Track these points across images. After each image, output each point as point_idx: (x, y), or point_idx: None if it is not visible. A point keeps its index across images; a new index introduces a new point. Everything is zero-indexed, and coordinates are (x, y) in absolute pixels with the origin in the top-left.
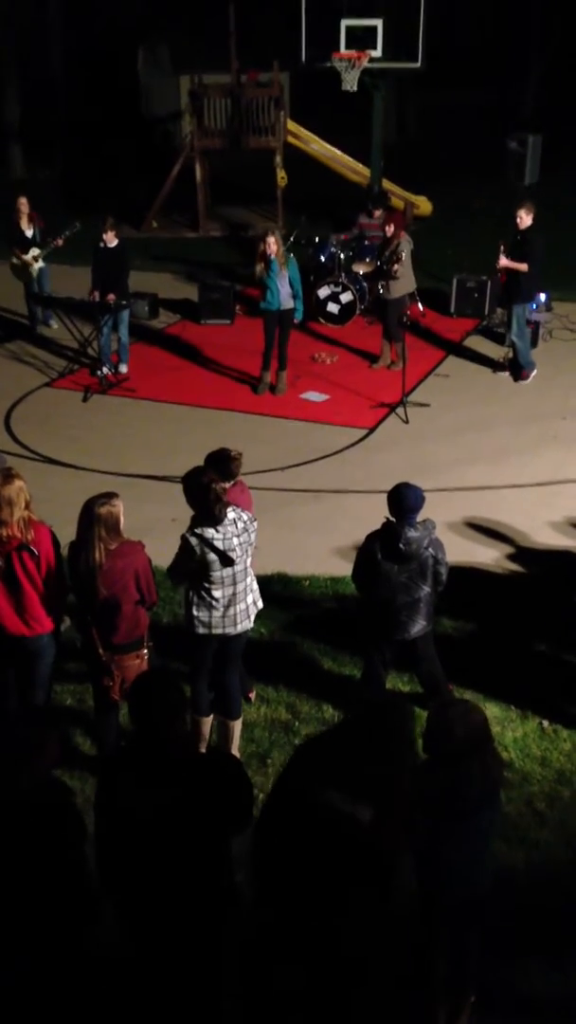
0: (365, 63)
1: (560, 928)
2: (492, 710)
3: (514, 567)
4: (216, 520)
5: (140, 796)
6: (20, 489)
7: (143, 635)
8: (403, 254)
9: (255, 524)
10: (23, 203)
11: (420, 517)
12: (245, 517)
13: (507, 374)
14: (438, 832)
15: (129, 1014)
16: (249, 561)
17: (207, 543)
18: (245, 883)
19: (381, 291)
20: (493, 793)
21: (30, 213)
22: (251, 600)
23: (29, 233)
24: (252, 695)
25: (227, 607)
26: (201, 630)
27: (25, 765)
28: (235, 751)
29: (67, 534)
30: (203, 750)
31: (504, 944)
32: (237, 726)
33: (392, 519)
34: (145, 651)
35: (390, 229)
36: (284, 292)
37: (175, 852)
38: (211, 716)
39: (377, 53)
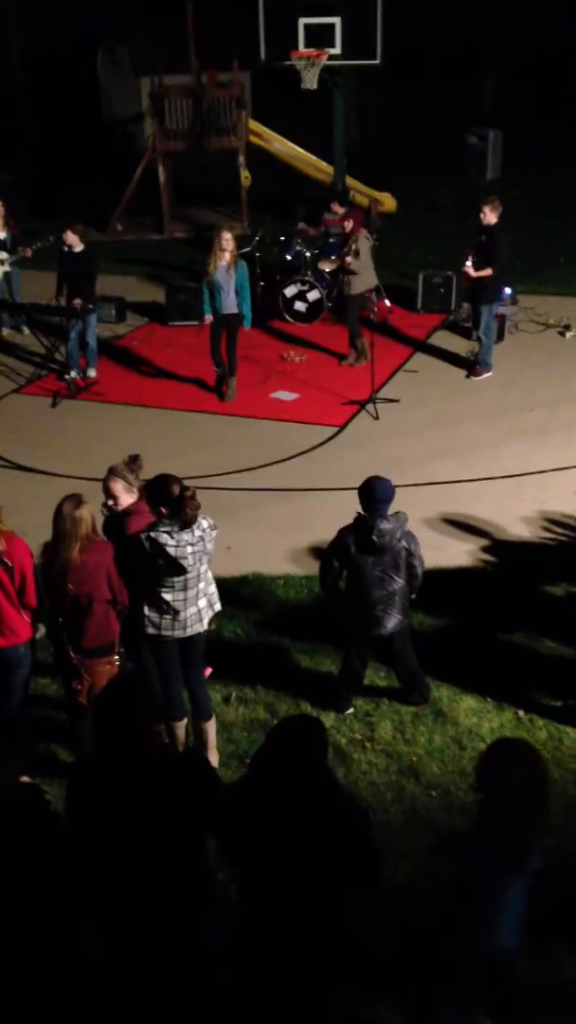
0: (324, 61)
1: (542, 917)
2: (468, 701)
3: (487, 559)
4: (188, 523)
5: (109, 801)
6: None
7: (114, 640)
8: (359, 249)
9: (214, 533)
10: None
11: (391, 510)
12: (205, 525)
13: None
14: (468, 882)
15: (116, 1013)
16: (204, 568)
17: (158, 548)
18: (229, 881)
19: (343, 288)
20: (539, 848)
21: (5, 216)
22: (204, 604)
23: (1, 236)
24: (208, 671)
25: (177, 612)
26: (151, 630)
27: None
28: (213, 752)
29: (40, 538)
30: None
31: None
32: (211, 727)
33: (364, 512)
34: (116, 658)
35: (348, 225)
36: (231, 296)
37: (146, 855)
38: (185, 720)
39: (336, 51)
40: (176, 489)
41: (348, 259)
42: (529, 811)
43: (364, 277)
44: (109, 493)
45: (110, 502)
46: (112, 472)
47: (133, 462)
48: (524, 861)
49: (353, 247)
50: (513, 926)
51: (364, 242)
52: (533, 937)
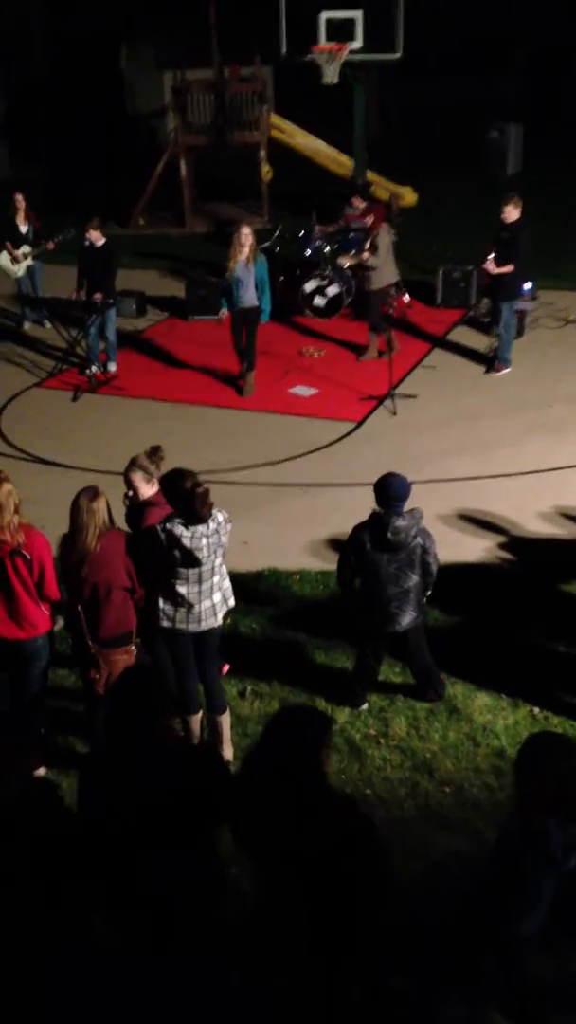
0: (345, 55)
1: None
2: (483, 699)
3: (504, 556)
4: (201, 519)
5: (120, 792)
6: (9, 493)
7: (131, 631)
8: (377, 244)
9: (229, 526)
10: (19, 199)
11: (408, 507)
12: (220, 518)
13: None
14: (504, 869)
15: (128, 1005)
16: (219, 561)
17: (174, 540)
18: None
19: (364, 283)
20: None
21: (26, 210)
22: (218, 599)
23: (23, 229)
24: (226, 669)
25: (192, 605)
26: (165, 623)
27: (10, 771)
28: (228, 745)
29: (58, 531)
30: None
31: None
32: (226, 720)
33: (379, 509)
34: (133, 647)
35: (370, 220)
36: (250, 290)
37: (157, 846)
38: (200, 714)
39: (357, 45)
40: (188, 484)
41: (366, 255)
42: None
43: (384, 272)
44: (129, 484)
45: (130, 493)
46: (133, 463)
47: (154, 453)
48: (565, 855)
49: (373, 242)
50: (541, 914)
51: (384, 237)
52: (549, 932)
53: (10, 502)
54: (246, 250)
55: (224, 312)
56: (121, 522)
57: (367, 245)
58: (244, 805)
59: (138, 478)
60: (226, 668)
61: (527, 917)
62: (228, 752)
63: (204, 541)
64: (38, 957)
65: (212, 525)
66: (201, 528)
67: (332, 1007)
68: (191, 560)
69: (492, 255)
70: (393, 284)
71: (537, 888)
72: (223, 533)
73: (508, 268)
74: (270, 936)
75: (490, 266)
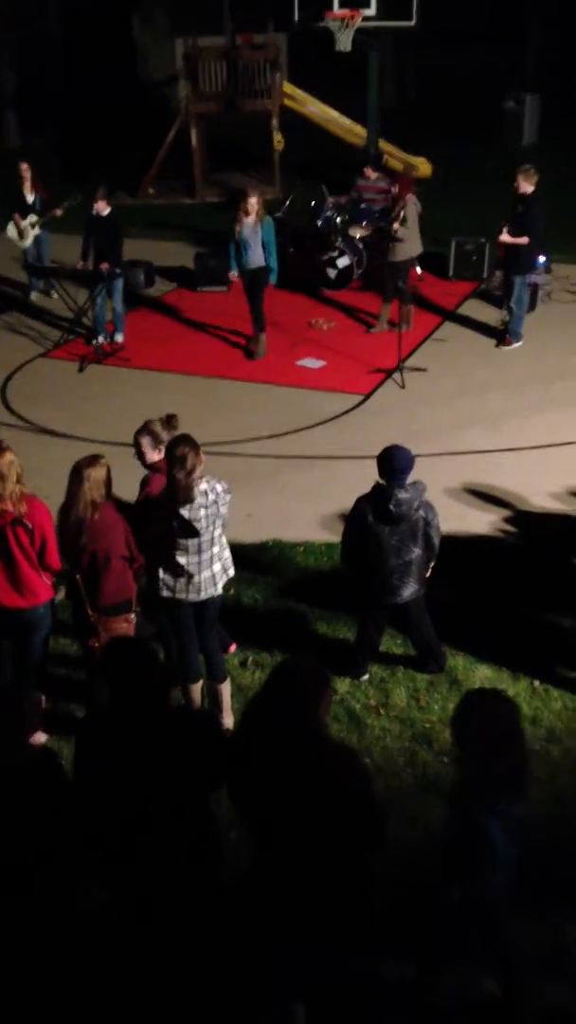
0: (359, 22)
1: (549, 883)
2: (484, 671)
3: (510, 530)
4: (180, 502)
5: (115, 756)
6: (11, 463)
7: (131, 599)
8: (406, 215)
9: (228, 496)
10: (25, 169)
11: (413, 479)
12: (219, 489)
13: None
14: (456, 822)
15: (126, 972)
16: (218, 532)
17: (172, 511)
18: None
19: (388, 254)
20: (517, 789)
21: (33, 179)
22: (218, 568)
23: (30, 199)
24: (233, 648)
25: (191, 575)
26: (165, 593)
27: (11, 739)
28: (229, 713)
29: (60, 501)
30: None
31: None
32: (226, 688)
33: (382, 481)
34: (132, 616)
35: (395, 189)
36: (256, 251)
37: (152, 810)
38: (200, 682)
39: (371, 12)
40: (176, 469)
41: (395, 226)
42: (496, 751)
43: (410, 244)
44: (137, 447)
45: (137, 457)
46: (144, 428)
47: (169, 421)
48: (499, 798)
49: (401, 213)
50: (506, 868)
51: (412, 208)
52: (535, 901)
53: (12, 471)
54: (252, 217)
55: (234, 274)
56: (125, 490)
57: (395, 215)
58: (242, 760)
59: (145, 442)
60: (233, 647)
61: (490, 873)
62: (229, 720)
63: (202, 512)
64: (33, 923)
65: (211, 496)
66: (199, 499)
67: (331, 975)
68: (189, 531)
69: (505, 229)
70: (416, 256)
71: (487, 838)
72: (222, 504)
73: (523, 240)
74: (267, 899)
75: (504, 236)
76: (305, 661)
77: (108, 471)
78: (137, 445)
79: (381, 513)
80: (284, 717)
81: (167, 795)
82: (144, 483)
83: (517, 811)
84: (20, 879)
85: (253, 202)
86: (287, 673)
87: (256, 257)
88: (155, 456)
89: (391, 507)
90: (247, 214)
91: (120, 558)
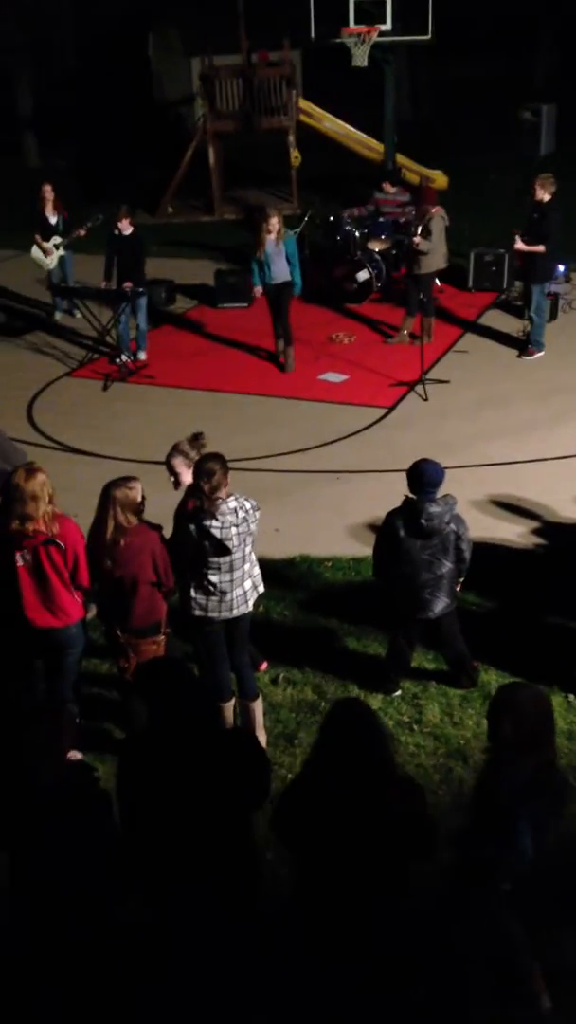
0: (375, 38)
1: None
2: None
3: (538, 542)
4: (206, 513)
5: (158, 777)
6: (43, 483)
7: (160, 621)
8: (431, 229)
9: (257, 514)
10: (47, 190)
11: (441, 493)
12: (248, 506)
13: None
14: (480, 817)
15: (165, 987)
16: (248, 549)
17: (203, 530)
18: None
19: (413, 266)
20: (546, 786)
21: (55, 201)
22: (249, 586)
23: (53, 220)
24: (264, 666)
25: (224, 593)
26: (198, 612)
27: (45, 759)
28: (261, 731)
29: (91, 520)
30: None
31: (530, 914)
32: (258, 706)
33: (412, 496)
34: (162, 637)
35: (415, 208)
36: (280, 266)
37: (193, 830)
38: (233, 700)
39: (387, 27)
40: (203, 481)
41: (417, 239)
42: (528, 745)
43: (435, 257)
44: (171, 470)
45: (172, 479)
46: (174, 449)
47: (196, 440)
48: (530, 798)
49: (423, 226)
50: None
51: (439, 222)
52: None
53: (44, 492)
54: (273, 236)
55: (258, 290)
56: (157, 512)
57: (418, 229)
58: (305, 799)
59: (179, 463)
60: (264, 665)
61: (522, 847)
62: (261, 738)
63: (234, 531)
64: (73, 937)
65: (241, 513)
66: (230, 517)
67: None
68: (221, 549)
69: (518, 236)
70: (443, 270)
71: (516, 827)
72: (252, 521)
73: (539, 248)
74: (307, 921)
75: (519, 244)
76: (357, 700)
77: (141, 494)
78: (170, 468)
79: (412, 527)
80: (360, 754)
81: (209, 815)
82: (182, 505)
83: (545, 815)
84: (62, 893)
85: (274, 222)
86: (351, 711)
87: (281, 272)
88: (190, 477)
89: (423, 521)
90: (269, 233)
91: (148, 584)
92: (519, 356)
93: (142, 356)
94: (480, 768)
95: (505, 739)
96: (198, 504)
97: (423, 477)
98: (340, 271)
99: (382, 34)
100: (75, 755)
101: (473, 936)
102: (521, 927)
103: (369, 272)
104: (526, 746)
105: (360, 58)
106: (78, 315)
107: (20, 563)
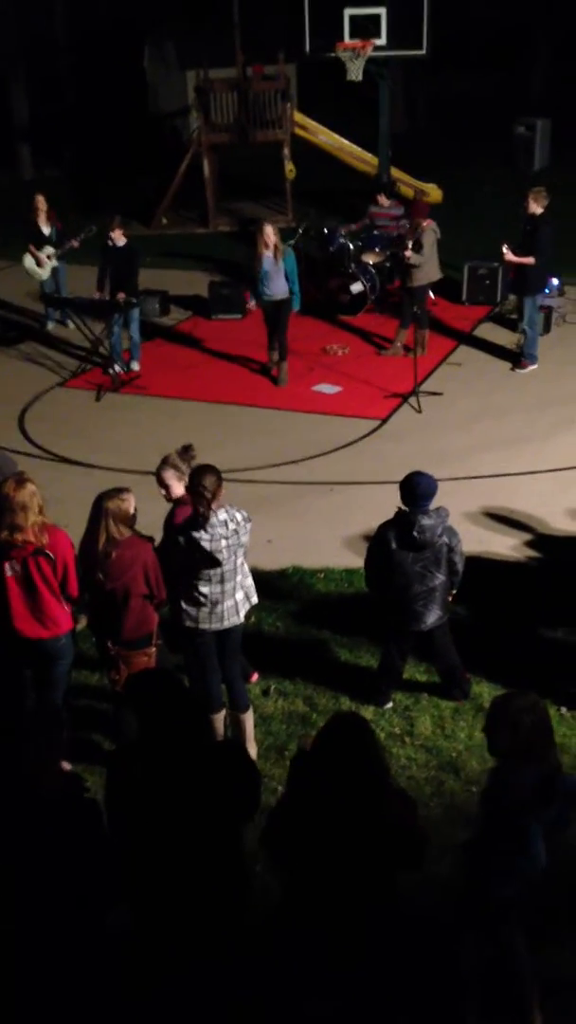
0: (370, 52)
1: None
2: None
3: (531, 554)
4: (196, 525)
5: (146, 788)
6: (33, 493)
7: (152, 633)
8: (422, 243)
9: (248, 525)
10: (40, 201)
11: (434, 505)
12: (239, 517)
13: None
14: (490, 826)
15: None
16: (240, 560)
17: (193, 543)
18: (266, 872)
19: (407, 279)
20: (555, 792)
21: (48, 211)
22: (241, 597)
23: (46, 231)
24: (255, 678)
25: (215, 604)
26: (188, 623)
27: (43, 770)
28: (252, 743)
29: (81, 531)
30: None
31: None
32: (249, 718)
33: (405, 508)
34: (153, 649)
35: (406, 222)
36: (279, 283)
37: (183, 842)
38: (223, 712)
39: (381, 41)
40: (195, 484)
41: (408, 253)
42: (528, 751)
43: (428, 269)
44: (161, 482)
45: (163, 492)
46: (165, 462)
47: (186, 452)
48: (537, 804)
49: (414, 240)
50: (539, 855)
51: (430, 235)
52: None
53: (34, 502)
54: (270, 249)
55: (253, 304)
56: (149, 523)
57: (410, 242)
58: (296, 815)
59: (170, 475)
60: (255, 676)
61: (534, 853)
62: (252, 750)
63: (224, 543)
64: (61, 944)
65: (231, 526)
66: (220, 530)
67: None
68: (212, 561)
69: (506, 247)
70: (435, 282)
71: (532, 830)
72: (243, 533)
73: (528, 260)
74: (296, 933)
75: (508, 255)
76: (352, 713)
77: (133, 506)
78: (161, 481)
79: (405, 539)
80: (359, 768)
81: (198, 825)
82: (170, 517)
83: (555, 821)
84: (51, 901)
85: (269, 232)
86: (347, 724)
87: (279, 289)
88: (180, 489)
89: (415, 534)
90: (266, 247)
91: (140, 596)
92: (512, 369)
93: (135, 366)
94: (485, 779)
95: (504, 749)
96: (192, 515)
97: (416, 489)
98: (334, 283)
99: (377, 48)
100: (65, 766)
101: (474, 948)
102: (524, 939)
103: (363, 284)
104: (526, 754)
105: (355, 72)
106: (71, 326)
107: (9, 573)
